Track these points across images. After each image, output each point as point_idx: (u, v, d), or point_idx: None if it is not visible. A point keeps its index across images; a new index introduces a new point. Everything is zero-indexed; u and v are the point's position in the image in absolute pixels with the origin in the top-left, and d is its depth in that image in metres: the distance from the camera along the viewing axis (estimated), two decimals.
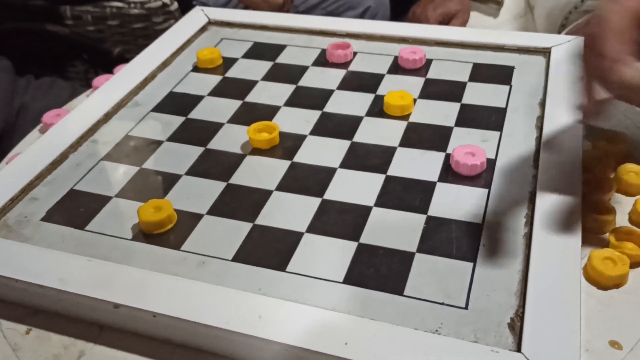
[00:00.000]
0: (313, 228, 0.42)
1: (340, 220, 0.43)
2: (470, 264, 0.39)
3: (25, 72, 0.92)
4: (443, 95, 0.55)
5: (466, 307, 0.36)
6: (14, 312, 0.40)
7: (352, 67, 0.61)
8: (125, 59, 0.99)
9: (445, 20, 1.02)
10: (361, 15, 1.34)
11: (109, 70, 0.66)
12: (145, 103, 0.58)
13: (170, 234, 0.43)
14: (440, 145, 0.49)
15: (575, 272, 0.36)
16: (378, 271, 0.39)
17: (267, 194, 0.46)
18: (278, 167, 0.48)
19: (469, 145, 0.47)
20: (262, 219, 0.43)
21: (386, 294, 0.37)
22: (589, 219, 0.42)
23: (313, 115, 0.54)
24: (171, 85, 0.60)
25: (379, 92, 0.57)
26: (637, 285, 0.39)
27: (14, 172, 0.48)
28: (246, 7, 1.20)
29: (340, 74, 0.60)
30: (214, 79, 0.61)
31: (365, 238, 0.41)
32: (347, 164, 0.48)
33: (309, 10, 1.28)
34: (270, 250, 0.41)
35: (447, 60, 0.61)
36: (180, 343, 0.37)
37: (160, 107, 0.57)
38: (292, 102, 0.57)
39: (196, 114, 0.56)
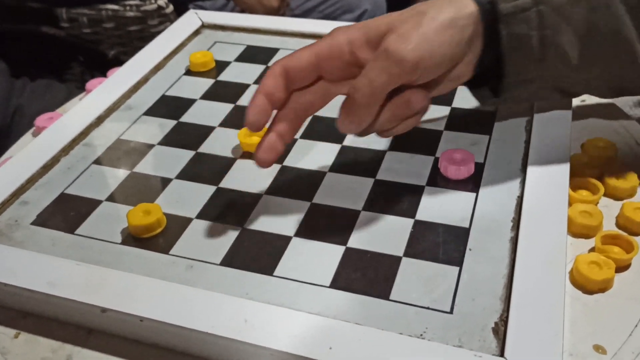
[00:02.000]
0: (301, 232, 0.43)
1: (329, 225, 0.43)
2: (457, 268, 0.39)
3: (21, 75, 0.92)
4: (433, 99, 0.55)
5: (451, 312, 0.36)
6: (3, 315, 0.40)
7: None
8: (121, 61, 1.00)
9: None
10: (358, 18, 1.34)
11: (105, 72, 0.66)
12: (138, 106, 0.58)
13: (159, 237, 0.43)
14: (430, 149, 0.49)
15: (560, 276, 0.37)
16: (365, 275, 0.39)
17: (256, 197, 0.46)
18: (268, 171, 0.48)
19: (458, 150, 0.47)
20: (251, 223, 0.44)
21: (372, 298, 0.37)
22: (575, 223, 0.43)
23: None
24: (164, 88, 0.61)
25: None
26: (622, 289, 0.39)
27: (5, 175, 0.48)
28: (242, 10, 1.21)
29: None
30: (207, 82, 0.61)
31: (352, 242, 0.41)
32: (336, 167, 0.48)
33: (305, 13, 1.29)
34: (258, 254, 0.41)
35: None
36: (167, 347, 0.37)
37: (153, 111, 0.57)
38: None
39: (188, 117, 0.56)
